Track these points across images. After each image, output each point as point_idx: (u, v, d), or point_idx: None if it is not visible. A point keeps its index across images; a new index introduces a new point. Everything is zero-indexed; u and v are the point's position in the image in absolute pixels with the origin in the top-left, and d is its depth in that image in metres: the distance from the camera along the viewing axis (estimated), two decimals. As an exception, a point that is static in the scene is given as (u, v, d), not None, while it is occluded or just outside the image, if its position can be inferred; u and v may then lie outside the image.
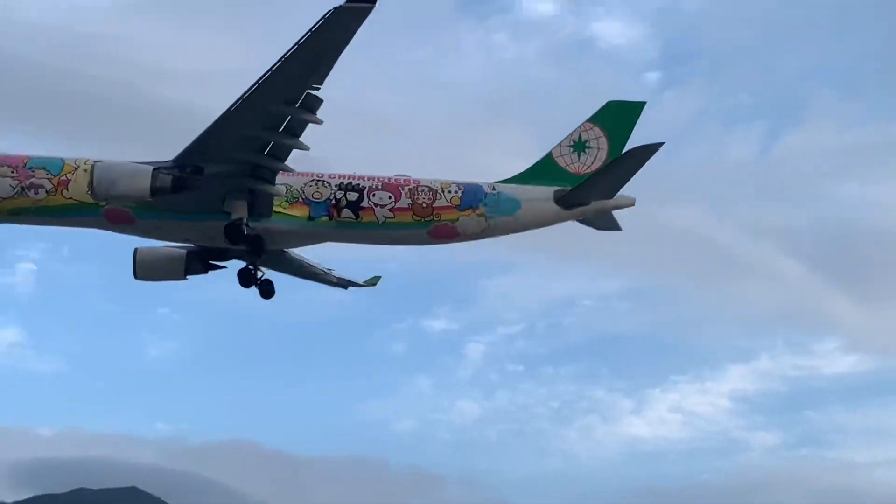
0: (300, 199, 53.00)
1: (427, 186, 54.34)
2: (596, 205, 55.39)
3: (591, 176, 54.93)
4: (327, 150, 57.67)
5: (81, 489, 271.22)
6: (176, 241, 54.98)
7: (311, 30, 42.13)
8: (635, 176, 53.98)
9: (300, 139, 48.33)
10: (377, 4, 41.19)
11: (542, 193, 55.32)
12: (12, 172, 50.82)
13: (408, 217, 53.64)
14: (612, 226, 56.95)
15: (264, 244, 52.70)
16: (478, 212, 54.39)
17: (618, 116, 56.81)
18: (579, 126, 57.00)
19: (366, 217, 53.34)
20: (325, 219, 53.14)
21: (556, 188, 55.33)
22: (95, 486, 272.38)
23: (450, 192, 54.36)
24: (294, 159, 50.00)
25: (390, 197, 53.61)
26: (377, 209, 53.39)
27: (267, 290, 57.65)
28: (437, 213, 53.94)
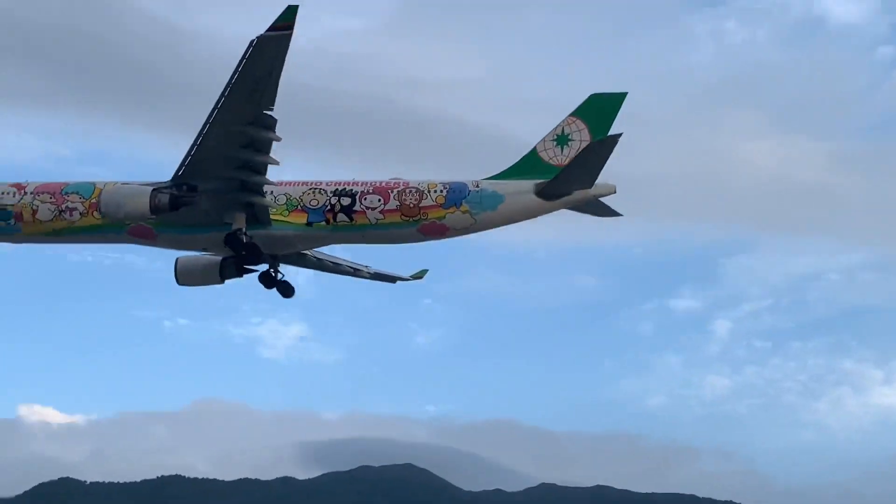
0: (299, 207, 58.72)
1: (415, 188, 58.90)
2: (578, 194, 58.20)
3: (562, 169, 57.95)
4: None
5: (364, 466, 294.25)
6: (198, 251, 61.34)
7: (240, 63, 47.65)
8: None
9: (270, 155, 53.78)
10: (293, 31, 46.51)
11: (524, 187, 58.66)
12: (51, 198, 58.71)
13: (397, 217, 58.35)
14: (609, 212, 59.83)
15: (261, 251, 58.59)
16: (462, 209, 58.47)
17: (599, 109, 59.14)
18: (563, 120, 59.65)
19: (359, 219, 58.40)
20: (322, 223, 58.62)
21: (537, 181, 58.51)
22: (376, 464, 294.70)
23: (435, 191, 58.72)
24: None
25: (380, 199, 58.46)
26: (368, 212, 58.38)
27: (286, 290, 63.77)
28: (423, 213, 58.40)
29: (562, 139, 59.37)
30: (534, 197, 58.59)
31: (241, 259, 61.68)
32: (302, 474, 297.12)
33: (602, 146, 56.06)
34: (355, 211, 58.46)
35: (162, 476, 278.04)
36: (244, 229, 57.01)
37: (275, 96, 50.09)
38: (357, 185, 59.24)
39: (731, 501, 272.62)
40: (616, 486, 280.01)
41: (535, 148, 59.90)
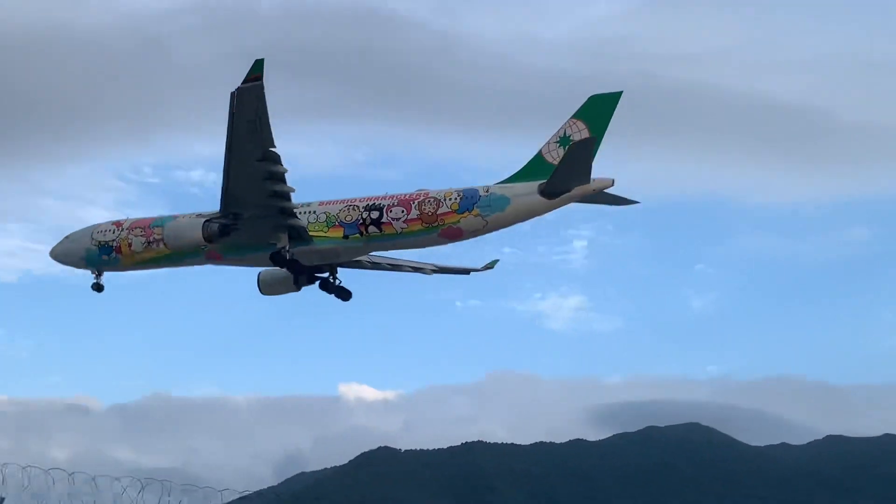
0: (336, 223, 66.66)
1: (433, 197, 65.37)
2: (578, 190, 62.67)
3: (553, 170, 62.42)
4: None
5: (651, 427, 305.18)
6: (260, 268, 70.49)
7: (230, 115, 56.66)
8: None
9: (285, 184, 62.18)
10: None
11: (528, 188, 63.76)
12: (142, 232, 69.58)
13: (418, 225, 65.10)
14: (624, 201, 64.30)
15: (303, 265, 67.15)
16: (474, 213, 64.38)
17: (598, 109, 62.97)
18: (565, 123, 63.69)
19: (387, 230, 65.61)
20: (357, 236, 66.22)
21: (540, 182, 63.32)
22: (662, 424, 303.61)
23: (450, 199, 64.93)
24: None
25: (403, 211, 65.38)
26: (394, 222, 65.43)
27: (343, 294, 71.96)
28: (440, 219, 64.79)
29: (565, 141, 63.43)
30: (538, 196, 63.49)
31: (311, 268, 70.34)
32: (592, 436, 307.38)
33: (581, 146, 60.67)
34: (383, 223, 65.65)
35: (466, 442, 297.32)
36: (287, 247, 65.61)
37: (271, 136, 58.54)
38: (385, 198, 66.31)
39: None
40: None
41: (539, 151, 64.49)
